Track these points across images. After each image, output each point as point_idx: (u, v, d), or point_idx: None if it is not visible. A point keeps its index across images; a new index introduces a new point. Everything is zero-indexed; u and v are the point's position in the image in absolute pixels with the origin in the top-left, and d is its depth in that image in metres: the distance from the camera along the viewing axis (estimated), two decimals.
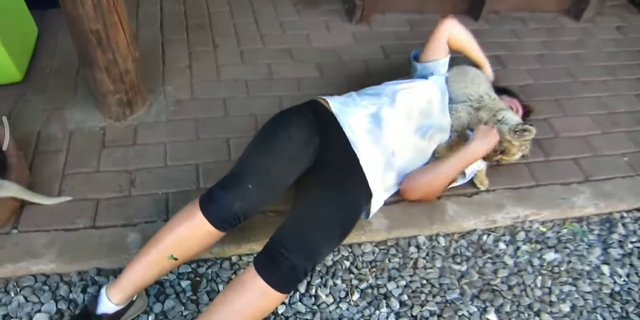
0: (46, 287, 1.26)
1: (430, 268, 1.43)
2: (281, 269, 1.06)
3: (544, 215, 1.58)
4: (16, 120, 1.60)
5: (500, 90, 1.65)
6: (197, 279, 1.33)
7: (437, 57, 1.58)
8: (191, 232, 1.12)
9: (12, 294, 1.25)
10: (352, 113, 1.37)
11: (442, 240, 1.49)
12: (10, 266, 1.25)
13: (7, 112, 1.62)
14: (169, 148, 1.57)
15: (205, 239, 1.15)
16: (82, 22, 1.23)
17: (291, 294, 1.31)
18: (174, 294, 1.29)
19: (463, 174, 1.50)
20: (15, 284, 1.26)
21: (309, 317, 1.29)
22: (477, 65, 1.64)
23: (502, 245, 1.51)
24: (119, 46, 1.35)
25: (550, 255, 1.51)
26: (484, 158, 1.49)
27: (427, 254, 1.46)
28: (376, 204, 1.37)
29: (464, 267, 1.44)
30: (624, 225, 1.63)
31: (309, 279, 1.35)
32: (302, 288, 1.33)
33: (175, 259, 1.13)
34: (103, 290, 1.13)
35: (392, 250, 1.45)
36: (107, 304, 1.12)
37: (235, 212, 1.13)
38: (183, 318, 1.25)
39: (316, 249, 1.12)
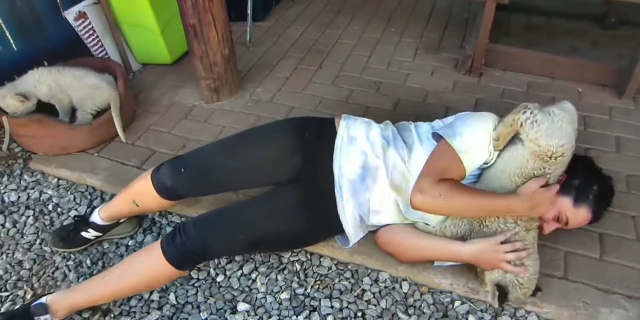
0: (89, 196, 1.84)
1: (374, 305, 1.47)
2: (175, 244, 1.31)
3: (547, 310, 1.41)
4: (150, 87, 2.35)
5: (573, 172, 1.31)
6: None
7: None
8: (145, 189, 1.45)
9: (69, 193, 1.86)
10: (348, 154, 1.37)
11: (405, 286, 1.50)
12: (77, 174, 1.88)
13: (151, 82, 2.38)
14: (224, 130, 2.04)
15: (157, 199, 1.45)
16: (185, 17, 1.84)
17: (191, 271, 1.52)
18: (157, 234, 1.70)
19: None
20: (75, 187, 1.88)
21: (236, 294, 1.51)
22: None
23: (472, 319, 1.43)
24: (210, 41, 1.91)
25: None
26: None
27: (380, 292, 1.50)
28: (353, 237, 1.44)
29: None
30: None
31: (252, 265, 1.58)
32: (246, 269, 1.56)
33: (137, 205, 1.51)
34: (99, 206, 1.61)
35: (348, 274, 1.55)
36: (96, 216, 1.58)
37: (167, 186, 1.42)
38: None
39: (208, 241, 1.32)
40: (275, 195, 1.42)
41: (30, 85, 1.86)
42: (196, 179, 1.44)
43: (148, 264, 1.33)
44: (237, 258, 1.59)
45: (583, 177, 1.32)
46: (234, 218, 1.36)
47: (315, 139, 1.42)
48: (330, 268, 1.57)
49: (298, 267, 1.58)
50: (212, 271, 1.57)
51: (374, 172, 1.36)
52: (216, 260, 1.58)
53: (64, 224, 1.73)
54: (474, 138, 1.27)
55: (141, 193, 1.48)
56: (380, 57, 2.51)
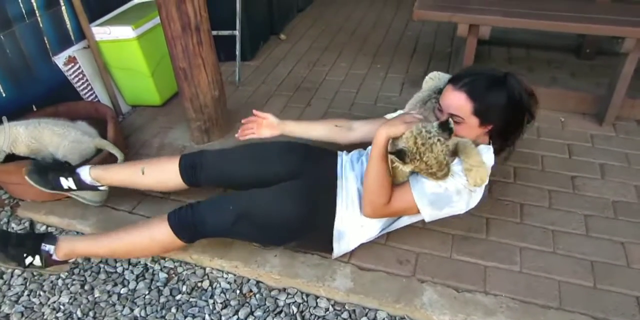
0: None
1: None
2: (180, 213, 1.49)
3: None
4: (140, 129, 2.36)
5: None
6: (173, 275, 1.69)
7: None
8: (164, 162, 1.68)
9: None
10: (349, 179, 1.58)
11: None
12: (67, 220, 1.85)
13: (141, 124, 2.40)
14: None
15: (171, 175, 1.66)
16: (175, 60, 1.87)
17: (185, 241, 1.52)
18: (150, 280, 1.67)
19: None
20: (64, 234, 1.85)
21: None
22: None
23: None
24: (200, 83, 1.94)
25: None
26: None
27: None
28: (346, 243, 1.56)
29: None
30: None
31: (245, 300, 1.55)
32: (242, 314, 1.54)
33: (143, 173, 1.66)
34: (91, 165, 1.70)
35: (345, 315, 1.53)
36: (85, 171, 1.67)
37: (191, 164, 1.66)
38: (143, 299, 1.61)
39: (203, 216, 1.49)
40: (280, 185, 1.56)
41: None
42: (214, 164, 1.67)
43: (152, 228, 1.48)
44: (233, 303, 1.56)
45: None
46: (233, 195, 1.56)
47: (318, 152, 1.74)
48: (327, 309, 1.55)
49: (295, 309, 1.55)
50: (207, 317, 1.53)
51: (367, 155, 1.65)
52: (211, 306, 1.56)
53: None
54: None
55: (158, 164, 1.69)
56: (367, 93, 2.57)
